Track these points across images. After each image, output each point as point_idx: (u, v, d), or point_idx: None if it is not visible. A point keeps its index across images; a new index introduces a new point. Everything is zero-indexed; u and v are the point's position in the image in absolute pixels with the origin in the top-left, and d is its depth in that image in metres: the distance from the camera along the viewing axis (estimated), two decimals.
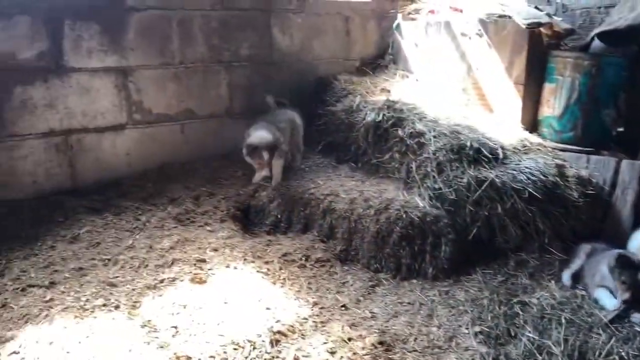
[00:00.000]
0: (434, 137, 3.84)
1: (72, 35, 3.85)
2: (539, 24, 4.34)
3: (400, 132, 4.01)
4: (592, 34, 4.41)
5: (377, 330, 2.79)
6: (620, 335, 2.76)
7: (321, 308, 2.93)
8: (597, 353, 2.60)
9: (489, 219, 3.50)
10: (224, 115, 4.73)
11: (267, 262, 3.27)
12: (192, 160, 4.48)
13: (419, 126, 3.96)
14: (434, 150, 3.75)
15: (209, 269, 3.08)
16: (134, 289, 2.85)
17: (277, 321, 2.65)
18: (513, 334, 2.79)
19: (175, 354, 2.34)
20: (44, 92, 3.80)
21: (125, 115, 4.18)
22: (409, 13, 5.60)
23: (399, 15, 5.56)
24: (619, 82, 4.15)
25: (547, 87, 4.39)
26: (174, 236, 3.41)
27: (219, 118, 4.70)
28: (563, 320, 2.84)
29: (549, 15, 4.57)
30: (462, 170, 3.61)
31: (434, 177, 3.66)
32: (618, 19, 4.24)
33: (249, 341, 2.46)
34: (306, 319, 2.76)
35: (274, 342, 2.51)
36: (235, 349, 2.41)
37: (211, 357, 2.35)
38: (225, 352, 2.38)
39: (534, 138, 4.27)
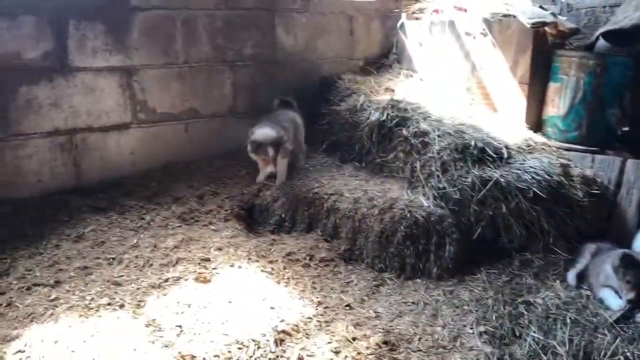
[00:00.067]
0: (438, 136, 3.83)
1: (76, 35, 3.86)
2: (544, 24, 4.32)
3: (404, 132, 4.00)
4: (597, 33, 4.39)
5: (381, 330, 2.79)
6: (626, 336, 2.75)
7: (325, 307, 2.93)
8: (602, 353, 2.58)
9: (494, 219, 3.49)
10: (227, 115, 4.73)
11: (271, 262, 3.27)
12: (196, 159, 4.48)
13: (423, 125, 3.95)
14: (438, 149, 3.74)
15: (213, 268, 3.08)
16: (138, 288, 2.86)
17: (282, 320, 2.65)
18: (518, 334, 2.78)
19: (179, 353, 2.34)
20: (49, 92, 3.81)
21: (129, 114, 4.19)
22: (413, 12, 5.58)
23: (403, 15, 5.55)
24: (624, 82, 4.13)
25: (552, 86, 4.38)
26: (178, 235, 3.42)
27: (223, 117, 4.70)
28: (568, 320, 2.83)
29: (553, 14, 4.55)
30: (466, 169, 3.60)
31: (438, 176, 3.65)
32: (623, 18, 4.22)
33: (254, 340, 2.46)
34: (310, 318, 2.76)
35: (279, 342, 2.51)
36: (239, 348, 2.41)
37: (216, 356, 2.35)
38: (229, 352, 2.38)
39: (539, 137, 4.25)
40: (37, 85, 3.76)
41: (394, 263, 3.45)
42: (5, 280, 2.91)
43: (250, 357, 2.38)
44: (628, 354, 2.58)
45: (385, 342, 2.66)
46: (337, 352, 2.52)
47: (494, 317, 2.93)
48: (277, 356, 2.43)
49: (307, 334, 2.63)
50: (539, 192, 3.48)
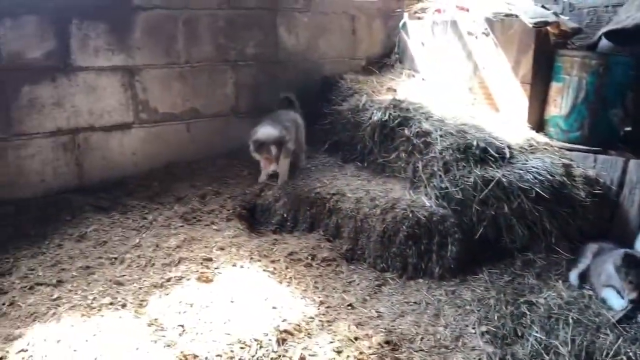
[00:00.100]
0: (441, 136, 3.83)
1: (79, 35, 3.87)
2: (546, 23, 4.32)
3: (406, 132, 4.00)
4: (600, 33, 4.38)
5: (383, 330, 2.79)
6: (628, 336, 2.74)
7: (327, 307, 2.93)
8: (604, 353, 2.59)
9: (496, 219, 3.49)
10: (229, 114, 4.73)
11: (273, 261, 3.28)
12: (198, 159, 4.49)
13: (426, 125, 3.95)
14: (440, 149, 3.74)
15: (215, 268, 3.08)
16: (140, 288, 2.86)
17: (284, 320, 2.65)
18: (520, 334, 2.78)
19: (182, 352, 2.34)
20: (51, 91, 3.81)
21: (131, 114, 4.20)
22: (416, 12, 5.58)
23: (405, 14, 5.55)
24: (626, 82, 4.12)
25: (554, 86, 4.37)
26: (180, 235, 3.42)
27: (225, 117, 4.71)
28: (570, 320, 2.83)
29: (556, 14, 4.55)
30: (468, 169, 3.60)
31: (440, 176, 3.65)
32: (626, 17, 4.21)
33: (256, 340, 2.46)
34: (312, 318, 2.76)
35: (281, 341, 2.51)
36: (241, 347, 2.41)
37: (218, 355, 2.35)
38: (232, 351, 2.38)
39: (541, 137, 4.25)
40: (40, 84, 3.76)
41: (396, 263, 3.45)
42: (8, 279, 2.92)
43: (253, 356, 2.38)
44: (630, 354, 2.58)
45: (387, 342, 2.66)
46: (339, 352, 2.52)
47: (496, 317, 2.93)
48: (279, 355, 2.43)
49: (309, 334, 2.63)
50: (541, 192, 3.47)
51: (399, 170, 4.03)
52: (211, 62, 4.55)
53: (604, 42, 4.40)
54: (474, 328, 2.86)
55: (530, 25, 4.28)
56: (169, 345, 2.40)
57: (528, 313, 2.93)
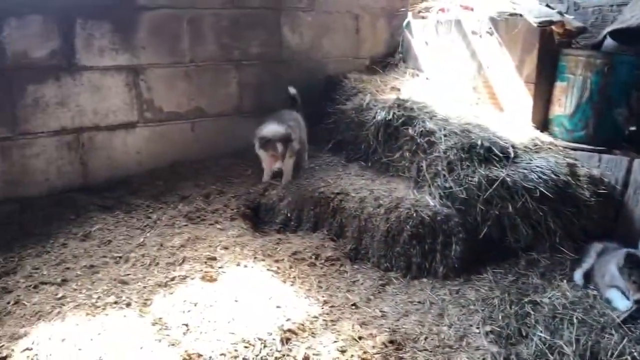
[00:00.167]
0: (445, 135, 3.82)
1: (83, 34, 3.88)
2: (551, 22, 4.30)
3: (410, 131, 3.99)
4: (604, 32, 4.37)
5: (387, 329, 2.78)
6: (633, 336, 2.73)
7: (331, 307, 2.93)
8: (609, 353, 2.57)
9: (500, 218, 3.48)
10: (234, 114, 4.74)
11: (277, 261, 3.28)
12: (202, 158, 4.50)
13: (430, 125, 3.94)
14: (444, 149, 3.73)
15: (219, 267, 3.08)
16: (145, 287, 2.87)
17: (288, 319, 2.65)
18: (524, 334, 2.77)
19: (186, 351, 2.35)
20: (56, 91, 3.82)
21: (136, 113, 4.20)
22: (419, 11, 5.57)
23: (409, 14, 5.54)
24: (631, 81, 4.10)
25: (559, 85, 4.36)
26: (184, 234, 3.43)
27: (229, 116, 4.71)
28: (575, 320, 2.81)
29: (560, 13, 4.53)
30: (472, 169, 3.59)
31: (444, 176, 3.64)
32: (630, 17, 4.19)
33: (260, 339, 2.47)
34: (316, 317, 2.76)
35: (285, 341, 2.51)
36: (246, 347, 2.41)
37: (222, 355, 2.35)
38: (236, 350, 2.38)
39: (545, 137, 4.24)
40: (45, 84, 3.77)
41: (400, 262, 3.45)
42: (12, 278, 2.93)
43: (257, 355, 2.39)
44: (635, 354, 2.57)
45: (391, 342, 2.66)
46: (343, 351, 2.52)
47: (500, 317, 2.92)
48: (283, 355, 2.44)
49: (313, 333, 2.63)
50: (545, 192, 3.47)
51: (402, 169, 4.03)
52: (215, 62, 4.55)
53: (609, 42, 4.38)
54: (478, 328, 2.85)
55: (535, 25, 4.27)
56: (173, 344, 2.40)
57: (532, 313, 2.92)
